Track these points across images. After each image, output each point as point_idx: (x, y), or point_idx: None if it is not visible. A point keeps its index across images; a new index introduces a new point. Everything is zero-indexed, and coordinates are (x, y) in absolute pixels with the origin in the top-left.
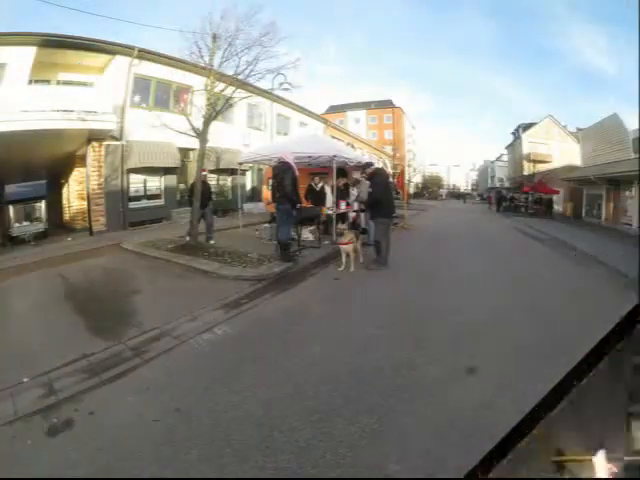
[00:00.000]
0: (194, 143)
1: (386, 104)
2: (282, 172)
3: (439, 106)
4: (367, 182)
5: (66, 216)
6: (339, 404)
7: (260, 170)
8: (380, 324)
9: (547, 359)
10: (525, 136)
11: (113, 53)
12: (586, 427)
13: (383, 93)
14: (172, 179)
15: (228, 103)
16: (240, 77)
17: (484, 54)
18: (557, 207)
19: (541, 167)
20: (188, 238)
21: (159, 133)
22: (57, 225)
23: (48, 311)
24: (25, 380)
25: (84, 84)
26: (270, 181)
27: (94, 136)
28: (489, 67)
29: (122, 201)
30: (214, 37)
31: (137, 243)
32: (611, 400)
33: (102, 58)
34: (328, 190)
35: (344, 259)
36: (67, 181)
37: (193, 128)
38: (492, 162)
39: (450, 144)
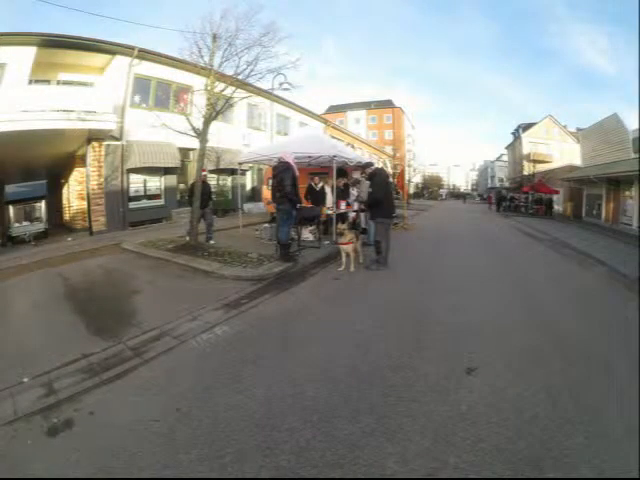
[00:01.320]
0: (194, 143)
1: (386, 104)
2: (282, 172)
3: (439, 106)
4: (367, 182)
5: (66, 216)
6: (339, 404)
7: (260, 170)
8: (380, 324)
9: (546, 359)
10: (525, 136)
11: (113, 53)
12: None
13: (383, 93)
14: (172, 179)
15: (228, 103)
16: (240, 77)
17: (484, 54)
18: (557, 207)
19: (541, 167)
20: (188, 238)
21: (159, 133)
22: (57, 225)
23: (48, 311)
24: (25, 380)
25: (84, 84)
26: (270, 181)
27: (94, 136)
28: (489, 67)
29: (122, 201)
30: (214, 37)
31: (137, 243)
32: None
33: (102, 58)
34: (328, 190)
35: (344, 259)
36: (67, 181)
37: (193, 128)
38: (492, 162)
39: (450, 144)
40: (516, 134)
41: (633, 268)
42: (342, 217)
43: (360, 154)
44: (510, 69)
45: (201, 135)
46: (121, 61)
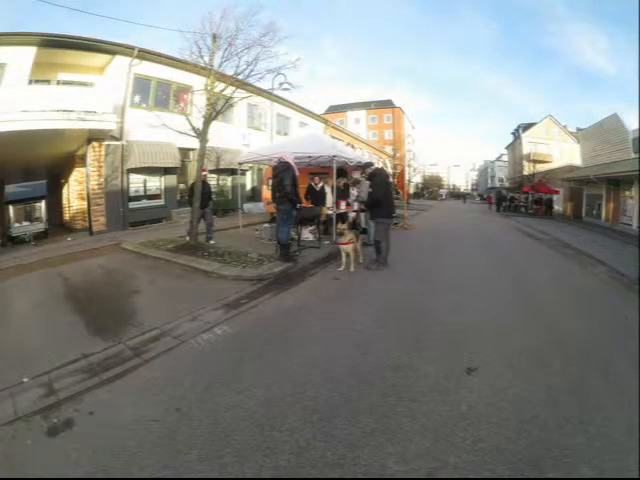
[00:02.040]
0: (194, 143)
1: (386, 104)
2: (282, 172)
3: (439, 106)
4: (367, 182)
5: (66, 216)
6: (339, 404)
7: (260, 170)
8: (380, 324)
9: (546, 359)
10: (525, 136)
11: (113, 53)
12: None
13: (383, 93)
14: (172, 179)
15: (228, 103)
16: (240, 77)
17: (484, 54)
18: (557, 207)
19: (541, 167)
20: (188, 238)
21: (159, 133)
22: (57, 225)
23: (48, 311)
24: (25, 380)
25: (84, 84)
26: (270, 181)
27: (94, 136)
28: (489, 67)
29: (122, 201)
30: (214, 37)
31: (137, 243)
32: None
33: (102, 58)
34: (328, 190)
35: (344, 259)
36: (67, 181)
37: (193, 128)
38: (492, 162)
39: (450, 144)
40: (516, 134)
41: (633, 268)
42: (342, 217)
43: (360, 154)
44: (510, 69)
45: (201, 135)
46: (121, 61)
